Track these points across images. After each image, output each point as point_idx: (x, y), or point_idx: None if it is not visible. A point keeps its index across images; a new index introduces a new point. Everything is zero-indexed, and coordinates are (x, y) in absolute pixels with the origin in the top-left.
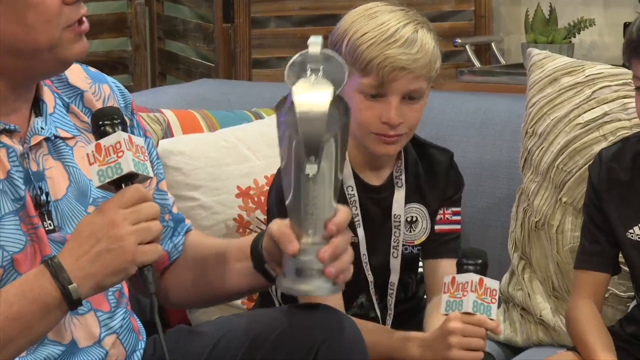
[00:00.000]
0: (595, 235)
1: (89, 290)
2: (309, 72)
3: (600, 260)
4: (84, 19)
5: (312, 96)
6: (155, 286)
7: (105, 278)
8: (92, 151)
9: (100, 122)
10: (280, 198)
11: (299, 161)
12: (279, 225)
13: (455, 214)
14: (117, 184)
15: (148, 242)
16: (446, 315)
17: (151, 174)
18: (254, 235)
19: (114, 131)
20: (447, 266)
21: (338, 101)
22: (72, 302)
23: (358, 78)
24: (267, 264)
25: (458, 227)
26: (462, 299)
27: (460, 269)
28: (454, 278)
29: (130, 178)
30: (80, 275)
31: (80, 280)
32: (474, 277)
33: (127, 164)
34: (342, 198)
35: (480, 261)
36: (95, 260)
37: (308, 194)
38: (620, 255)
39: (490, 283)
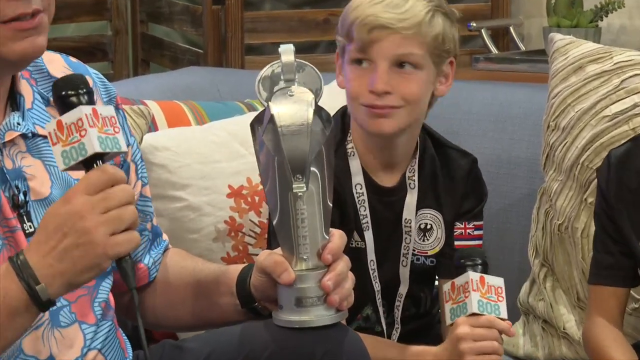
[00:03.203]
0: (607, 246)
1: (58, 289)
2: (283, 84)
3: (615, 274)
4: (41, 14)
5: (293, 108)
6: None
7: (75, 276)
8: (54, 129)
9: (64, 93)
10: None
11: (284, 181)
12: (269, 255)
13: (477, 228)
14: (87, 164)
15: (122, 231)
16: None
17: (124, 148)
18: (239, 267)
19: (79, 103)
20: None
21: (319, 111)
22: (41, 304)
23: (348, 47)
24: (258, 302)
25: (480, 242)
26: (465, 301)
27: (459, 272)
28: (453, 283)
29: (100, 157)
30: (48, 274)
31: (49, 280)
32: (473, 276)
33: (91, 144)
34: (349, 197)
35: (479, 261)
36: (63, 257)
37: (298, 216)
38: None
39: (494, 280)
